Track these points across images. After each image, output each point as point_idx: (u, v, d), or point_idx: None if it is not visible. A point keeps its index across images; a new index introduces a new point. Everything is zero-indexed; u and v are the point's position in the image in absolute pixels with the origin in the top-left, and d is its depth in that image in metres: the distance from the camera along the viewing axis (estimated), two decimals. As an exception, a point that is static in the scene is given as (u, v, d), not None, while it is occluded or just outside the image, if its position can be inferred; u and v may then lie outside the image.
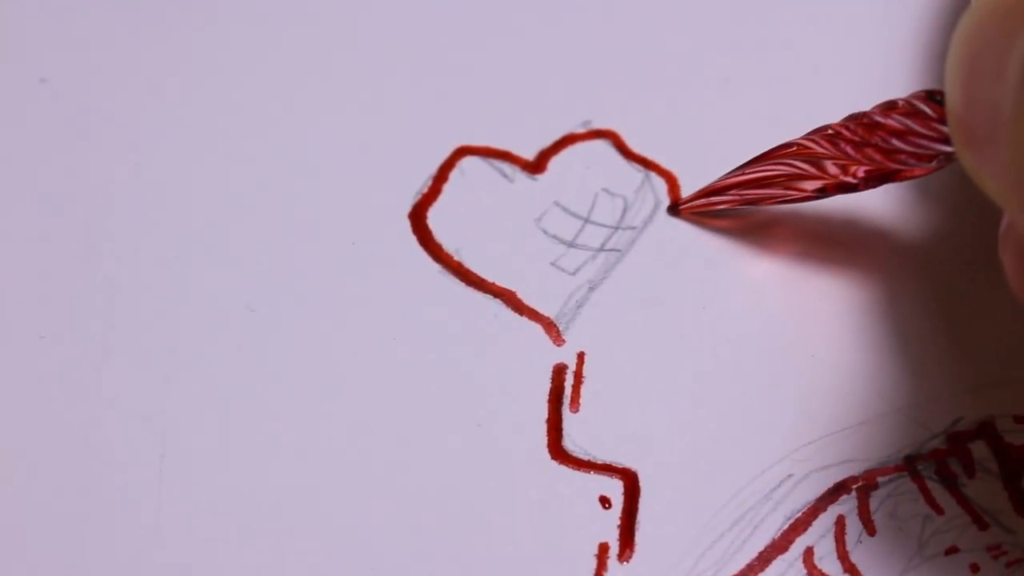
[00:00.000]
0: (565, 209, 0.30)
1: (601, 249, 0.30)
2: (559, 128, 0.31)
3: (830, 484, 0.27)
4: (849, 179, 0.27)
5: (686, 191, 0.30)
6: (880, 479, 0.27)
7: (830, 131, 0.27)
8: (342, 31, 0.33)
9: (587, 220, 0.30)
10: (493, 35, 0.32)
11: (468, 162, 0.31)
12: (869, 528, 0.26)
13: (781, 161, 0.28)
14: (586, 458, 0.27)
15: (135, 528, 0.26)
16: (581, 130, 0.31)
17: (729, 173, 0.29)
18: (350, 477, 0.27)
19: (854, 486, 0.27)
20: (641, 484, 0.27)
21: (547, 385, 0.28)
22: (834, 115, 0.31)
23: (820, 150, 0.27)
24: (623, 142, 0.31)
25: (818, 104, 0.31)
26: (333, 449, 0.27)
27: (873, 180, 0.27)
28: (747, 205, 0.29)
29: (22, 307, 0.29)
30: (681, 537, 0.26)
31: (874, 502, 0.27)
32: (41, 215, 0.30)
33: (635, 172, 0.30)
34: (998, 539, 0.26)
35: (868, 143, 0.27)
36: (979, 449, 0.27)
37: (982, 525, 0.26)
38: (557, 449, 0.27)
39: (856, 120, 0.27)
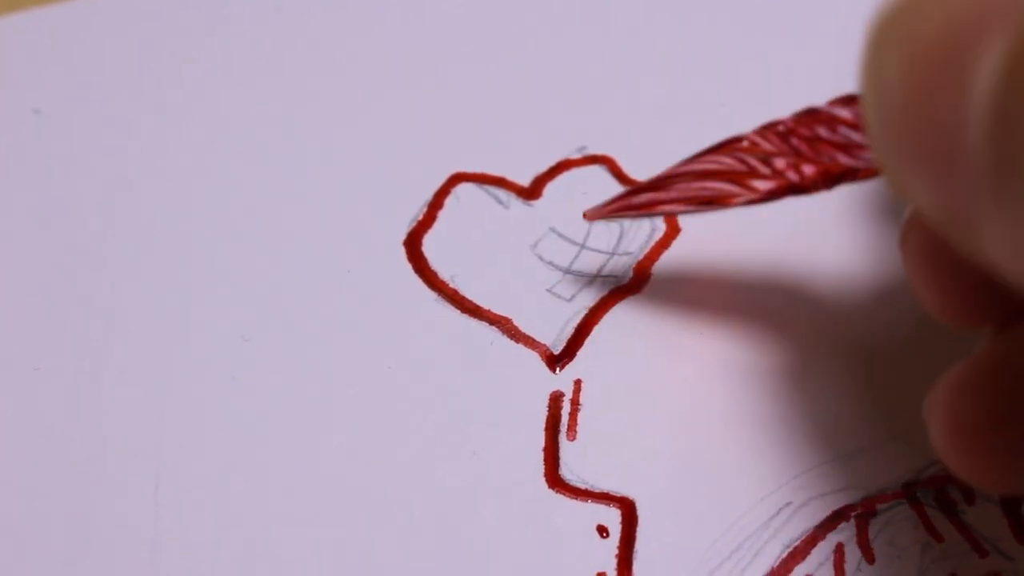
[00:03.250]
0: (561, 235, 0.30)
1: (597, 275, 0.29)
2: (554, 154, 0.31)
3: (829, 512, 0.27)
4: (796, 178, 0.24)
5: (682, 216, 0.30)
6: (879, 506, 0.27)
7: (781, 128, 0.25)
8: (336, 60, 0.33)
9: (583, 246, 0.30)
10: (488, 62, 0.32)
11: (463, 189, 0.31)
12: (868, 556, 0.26)
13: (732, 155, 0.25)
14: (583, 487, 0.27)
15: (131, 558, 0.26)
16: (576, 156, 0.31)
17: (674, 166, 0.26)
18: (345, 506, 0.27)
19: (853, 514, 0.27)
20: (639, 513, 0.27)
21: (544, 413, 0.28)
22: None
23: (769, 147, 0.25)
24: (618, 167, 0.31)
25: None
26: (328, 478, 0.27)
27: (825, 181, 0.24)
28: (695, 207, 0.26)
29: (17, 338, 0.29)
30: (679, 566, 0.26)
31: (873, 530, 0.27)
32: (35, 246, 0.30)
33: (631, 197, 0.30)
34: (998, 566, 0.26)
35: (822, 138, 0.24)
36: (978, 475, 0.27)
37: (982, 552, 0.26)
38: (554, 478, 0.27)
39: (810, 114, 0.25)
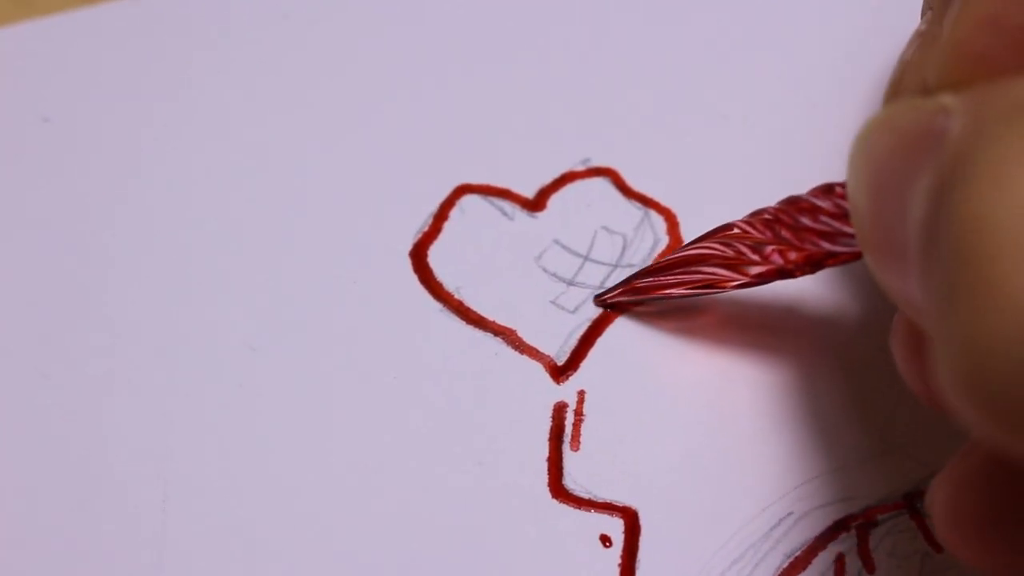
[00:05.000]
0: (565, 247, 0.30)
1: (601, 287, 0.30)
2: (558, 166, 0.31)
3: (829, 522, 0.27)
4: (783, 263, 0.27)
5: (685, 228, 0.30)
6: (879, 517, 0.27)
7: (767, 215, 0.27)
8: (343, 72, 0.33)
9: (587, 258, 0.30)
10: (493, 75, 0.33)
11: (468, 200, 0.31)
12: (868, 566, 0.27)
13: (724, 241, 0.27)
14: (587, 496, 0.27)
15: (138, 567, 0.26)
16: (580, 168, 0.31)
17: (667, 258, 0.29)
18: (351, 515, 0.27)
19: (853, 524, 0.27)
20: (641, 522, 0.27)
21: (548, 423, 0.28)
22: (833, 152, 0.31)
23: (758, 235, 0.27)
24: (622, 180, 0.31)
25: (816, 141, 0.32)
26: (334, 487, 0.27)
27: (809, 265, 0.26)
28: (693, 291, 0.28)
29: (25, 345, 0.29)
30: (681, 575, 0.26)
31: (873, 540, 0.27)
32: (43, 253, 0.30)
33: (634, 210, 0.31)
34: (997, 577, 0.26)
35: (805, 226, 0.26)
36: (978, 486, 0.27)
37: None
38: (558, 487, 0.27)
39: (793, 204, 0.27)
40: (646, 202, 0.31)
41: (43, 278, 0.30)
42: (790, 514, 0.27)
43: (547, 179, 0.31)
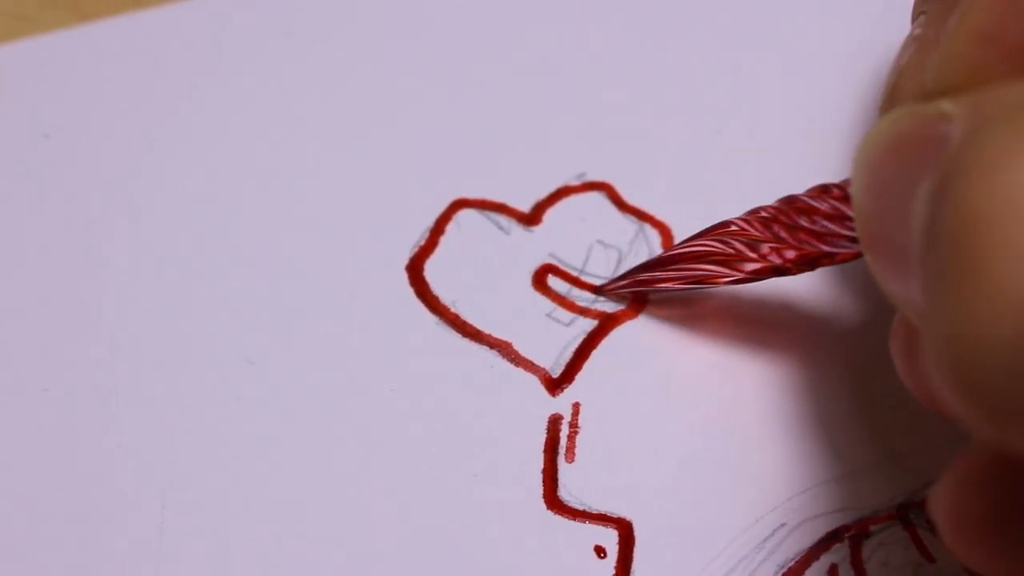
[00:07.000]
0: (560, 261, 0.30)
1: (596, 300, 0.30)
2: (554, 181, 0.32)
3: (823, 533, 0.27)
4: (779, 262, 0.27)
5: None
6: (872, 528, 0.27)
7: (764, 214, 0.28)
8: (342, 88, 0.33)
9: (582, 271, 0.30)
10: (489, 90, 0.33)
11: (465, 215, 0.31)
12: (861, 577, 0.27)
13: (722, 238, 0.28)
14: (581, 508, 0.27)
15: (136, 578, 0.27)
16: (576, 182, 0.32)
17: (668, 250, 0.29)
18: (347, 526, 0.27)
19: (846, 535, 0.27)
20: (636, 534, 0.27)
21: (543, 436, 0.28)
22: (828, 166, 0.32)
23: (755, 233, 0.28)
24: (617, 194, 0.31)
25: (811, 155, 0.32)
26: (331, 499, 0.27)
27: (804, 264, 0.27)
28: (690, 285, 0.29)
29: (25, 360, 0.29)
30: (676, 586, 0.27)
31: (866, 550, 0.27)
32: (43, 267, 0.30)
33: (629, 224, 0.31)
34: (989, 587, 0.26)
35: (801, 227, 0.27)
36: (970, 497, 0.27)
37: (973, 573, 0.27)
38: (552, 499, 0.28)
39: (790, 204, 0.28)
40: (641, 216, 0.31)
41: (43, 292, 0.30)
42: (783, 525, 0.27)
43: (543, 193, 0.31)
